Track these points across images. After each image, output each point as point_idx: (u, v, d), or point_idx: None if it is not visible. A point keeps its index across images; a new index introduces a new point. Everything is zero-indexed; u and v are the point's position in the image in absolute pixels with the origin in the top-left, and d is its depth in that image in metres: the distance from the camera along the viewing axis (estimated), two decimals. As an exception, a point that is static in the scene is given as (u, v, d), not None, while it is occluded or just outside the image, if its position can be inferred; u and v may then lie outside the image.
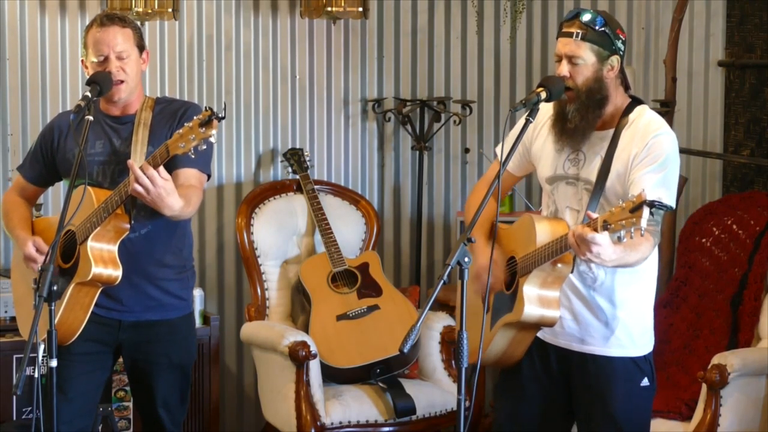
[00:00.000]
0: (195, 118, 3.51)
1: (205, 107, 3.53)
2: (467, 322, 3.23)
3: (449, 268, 3.19)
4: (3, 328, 5.03)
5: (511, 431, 3.76)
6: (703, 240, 5.12)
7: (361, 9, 5.55)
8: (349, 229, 5.59)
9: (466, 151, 6.04)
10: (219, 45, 5.63)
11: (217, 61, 5.63)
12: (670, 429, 4.59)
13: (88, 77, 3.88)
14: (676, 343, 5.00)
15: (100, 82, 3.82)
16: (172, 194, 3.68)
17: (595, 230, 3.16)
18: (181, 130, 3.54)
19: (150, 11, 5.21)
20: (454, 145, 6.04)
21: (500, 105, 6.05)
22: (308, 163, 5.61)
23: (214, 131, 3.47)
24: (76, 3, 5.38)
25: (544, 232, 3.49)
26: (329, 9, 5.49)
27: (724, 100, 5.67)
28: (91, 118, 3.70)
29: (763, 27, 5.43)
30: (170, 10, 5.28)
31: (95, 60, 3.88)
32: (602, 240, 3.17)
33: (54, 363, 3.45)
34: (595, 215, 3.20)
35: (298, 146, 5.76)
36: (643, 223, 3.04)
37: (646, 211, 3.04)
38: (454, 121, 5.92)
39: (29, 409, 4.89)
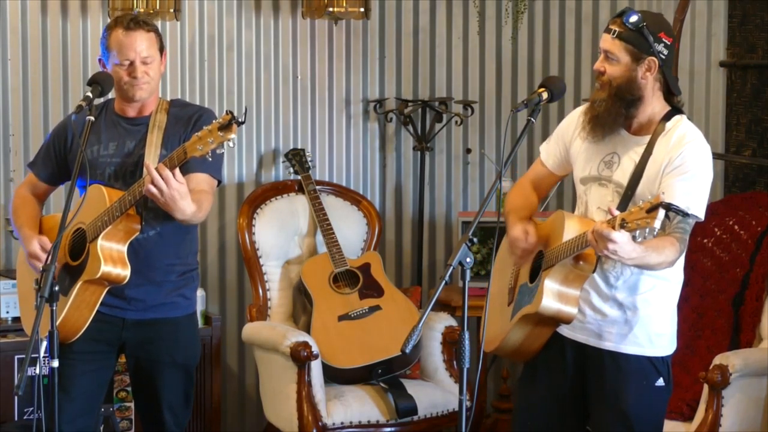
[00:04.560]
0: (214, 121, 3.53)
1: (226, 111, 3.54)
2: (492, 311, 3.26)
3: (451, 268, 3.21)
4: (4, 329, 5.02)
5: (527, 425, 3.79)
6: (705, 240, 5.12)
7: (362, 9, 5.55)
8: (350, 229, 5.59)
9: (468, 151, 6.04)
10: (220, 45, 5.63)
11: (219, 61, 5.63)
12: (671, 429, 4.59)
13: (90, 77, 3.89)
14: (678, 343, 4.97)
15: (102, 83, 3.82)
16: (185, 198, 3.70)
17: (613, 227, 3.19)
18: (199, 133, 3.55)
19: (151, 11, 5.21)
20: (456, 146, 6.04)
21: (502, 105, 6.04)
22: (310, 163, 5.61)
23: (233, 135, 3.49)
24: (77, 4, 5.39)
25: (572, 229, 3.53)
26: (331, 9, 5.49)
27: (725, 101, 5.68)
28: (92, 118, 3.71)
29: (765, 27, 5.43)
30: (172, 10, 5.28)
31: (119, 63, 3.89)
32: (619, 238, 3.20)
33: (55, 363, 3.46)
34: (616, 212, 3.24)
35: (299, 146, 5.75)
36: (657, 224, 3.07)
37: (661, 212, 3.07)
38: (456, 122, 5.92)
39: (31, 409, 4.89)
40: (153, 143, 3.89)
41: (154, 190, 3.63)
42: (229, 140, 3.50)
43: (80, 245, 3.86)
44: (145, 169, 3.73)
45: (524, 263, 3.74)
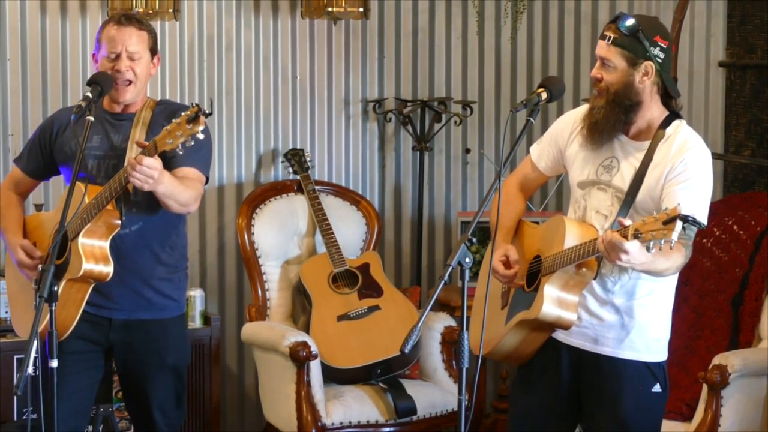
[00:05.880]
0: (182, 113, 3.53)
1: (192, 103, 3.55)
2: (480, 314, 3.25)
3: (450, 268, 3.20)
4: (3, 329, 5.02)
5: (523, 429, 3.77)
6: (704, 240, 5.12)
7: (361, 9, 5.55)
8: (349, 229, 5.59)
9: (467, 151, 6.04)
10: (220, 45, 5.63)
11: (218, 61, 5.63)
12: (671, 429, 4.59)
13: (90, 77, 3.89)
14: (677, 343, 4.98)
15: (101, 83, 3.83)
16: (165, 180, 3.71)
17: (625, 237, 3.17)
18: (168, 126, 3.58)
19: (151, 12, 5.21)
20: (455, 146, 6.04)
21: (501, 105, 6.04)
22: (309, 163, 5.61)
23: (201, 127, 3.50)
24: (77, 4, 5.39)
25: (573, 235, 3.50)
26: (330, 9, 5.49)
27: (725, 101, 5.68)
28: (92, 118, 3.72)
29: (764, 27, 5.43)
30: (171, 10, 5.29)
31: (107, 56, 3.90)
32: (632, 247, 3.17)
33: (54, 363, 3.46)
34: (627, 222, 3.20)
35: (298, 146, 5.75)
36: (674, 236, 3.05)
37: (678, 224, 3.04)
38: (455, 122, 5.92)
39: (30, 409, 4.89)
40: (136, 139, 3.89)
41: (138, 180, 3.63)
42: (197, 133, 3.51)
43: (63, 244, 3.85)
44: (126, 162, 3.74)
45: (511, 286, 3.72)
